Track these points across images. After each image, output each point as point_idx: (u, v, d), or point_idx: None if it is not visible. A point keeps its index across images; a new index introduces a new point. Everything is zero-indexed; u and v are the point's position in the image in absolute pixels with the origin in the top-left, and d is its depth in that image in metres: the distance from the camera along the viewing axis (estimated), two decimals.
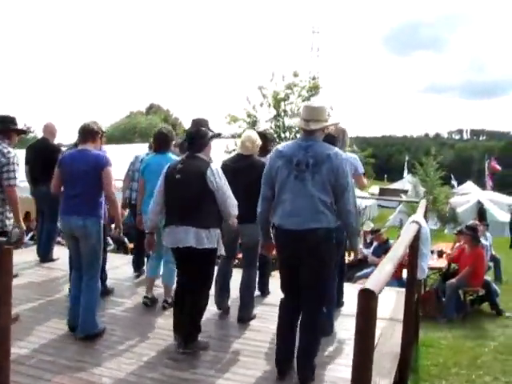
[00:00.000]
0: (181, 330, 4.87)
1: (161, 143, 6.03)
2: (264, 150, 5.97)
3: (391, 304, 6.23)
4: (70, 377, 4.25)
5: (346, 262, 6.25)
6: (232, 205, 4.74)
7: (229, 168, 5.40)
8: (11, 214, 5.29)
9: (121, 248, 10.78)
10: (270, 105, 17.83)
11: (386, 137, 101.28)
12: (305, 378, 4.27)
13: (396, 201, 24.20)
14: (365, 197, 10.40)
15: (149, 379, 4.28)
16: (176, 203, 4.77)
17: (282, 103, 17.84)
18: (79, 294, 5.03)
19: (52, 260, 7.86)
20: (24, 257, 7.65)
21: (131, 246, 10.37)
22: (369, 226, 11.83)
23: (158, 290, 6.11)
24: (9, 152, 5.12)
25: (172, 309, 5.11)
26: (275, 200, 4.30)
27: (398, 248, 3.51)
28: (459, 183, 39.77)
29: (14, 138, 5.38)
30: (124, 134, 51.53)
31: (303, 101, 18.01)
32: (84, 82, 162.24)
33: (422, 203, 6.73)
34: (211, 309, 5.36)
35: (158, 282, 6.13)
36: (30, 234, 11.38)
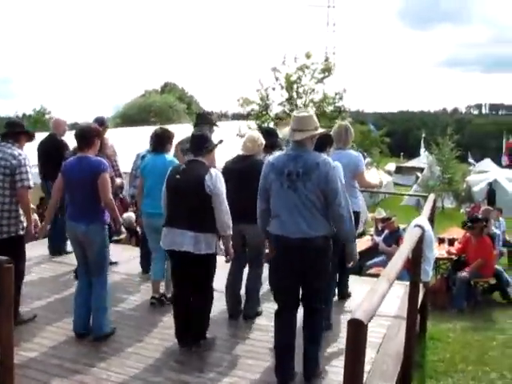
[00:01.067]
0: (182, 334, 4.99)
1: (156, 144, 6.10)
2: (270, 148, 6.01)
3: (398, 300, 6.24)
4: (76, 382, 4.34)
5: (358, 250, 6.26)
6: (225, 213, 4.76)
7: (229, 170, 5.48)
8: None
9: (134, 237, 10.88)
10: (282, 87, 17.73)
11: (402, 112, 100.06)
12: (312, 373, 4.42)
13: (406, 195, 23.89)
14: (372, 191, 10.27)
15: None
16: (174, 205, 4.85)
17: (295, 85, 17.73)
18: (84, 302, 5.12)
19: (66, 252, 7.97)
20: (35, 250, 7.74)
21: None
22: (380, 213, 11.76)
23: None
24: (20, 154, 5.17)
25: None
26: (271, 211, 4.36)
27: (396, 262, 3.51)
28: (477, 160, 39.35)
29: (23, 141, 5.43)
30: (139, 113, 51.50)
31: (316, 83, 17.91)
32: (99, 61, 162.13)
33: (430, 198, 6.72)
34: (217, 306, 5.43)
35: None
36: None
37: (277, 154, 4.56)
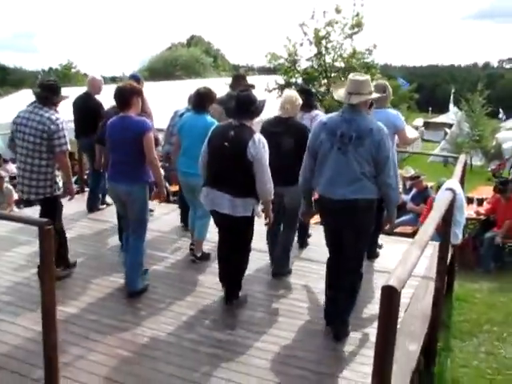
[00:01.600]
0: (225, 282, 5.20)
1: (197, 103, 6.04)
2: (307, 107, 6.12)
3: (426, 260, 6.22)
4: (113, 336, 4.53)
5: None
6: (267, 181, 4.75)
7: (269, 133, 5.42)
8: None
9: None
10: (310, 43, 17.48)
11: (431, 66, 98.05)
12: (340, 332, 4.57)
13: (434, 155, 22.99)
14: (401, 150, 10.12)
15: (187, 340, 4.50)
16: (216, 168, 4.87)
17: (324, 41, 17.47)
18: None
19: (98, 209, 8.17)
20: (71, 207, 7.88)
21: (173, 188, 10.71)
22: (408, 171, 11.64)
23: (208, 246, 6.30)
24: (57, 119, 5.23)
25: (213, 265, 5.39)
26: (317, 170, 4.43)
27: (428, 228, 3.54)
28: (509, 117, 38.46)
29: (58, 104, 5.52)
30: (166, 66, 51.46)
31: (345, 38, 17.61)
32: (125, 14, 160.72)
33: (461, 159, 6.66)
34: (250, 265, 5.49)
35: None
36: (74, 178, 11.59)
37: (328, 115, 4.65)
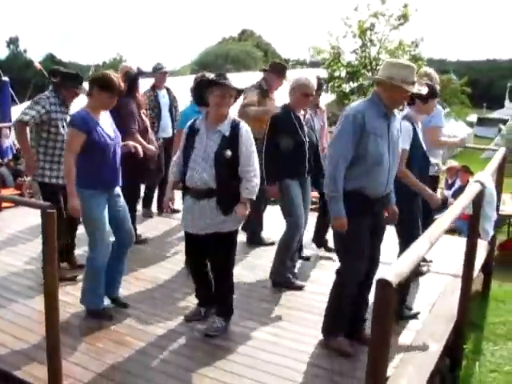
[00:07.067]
0: None
1: None
2: None
3: (459, 256, 5.92)
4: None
5: None
6: None
7: None
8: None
9: None
10: (354, 35, 17.16)
11: (489, 61, 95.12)
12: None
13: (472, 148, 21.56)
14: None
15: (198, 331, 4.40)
16: None
17: (368, 32, 17.12)
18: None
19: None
20: None
21: None
22: (451, 165, 11.14)
23: None
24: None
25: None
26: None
27: (443, 222, 3.29)
28: None
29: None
30: (216, 60, 51.80)
31: (391, 30, 17.22)
32: (176, 8, 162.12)
33: (500, 152, 6.32)
34: None
35: None
36: None
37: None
